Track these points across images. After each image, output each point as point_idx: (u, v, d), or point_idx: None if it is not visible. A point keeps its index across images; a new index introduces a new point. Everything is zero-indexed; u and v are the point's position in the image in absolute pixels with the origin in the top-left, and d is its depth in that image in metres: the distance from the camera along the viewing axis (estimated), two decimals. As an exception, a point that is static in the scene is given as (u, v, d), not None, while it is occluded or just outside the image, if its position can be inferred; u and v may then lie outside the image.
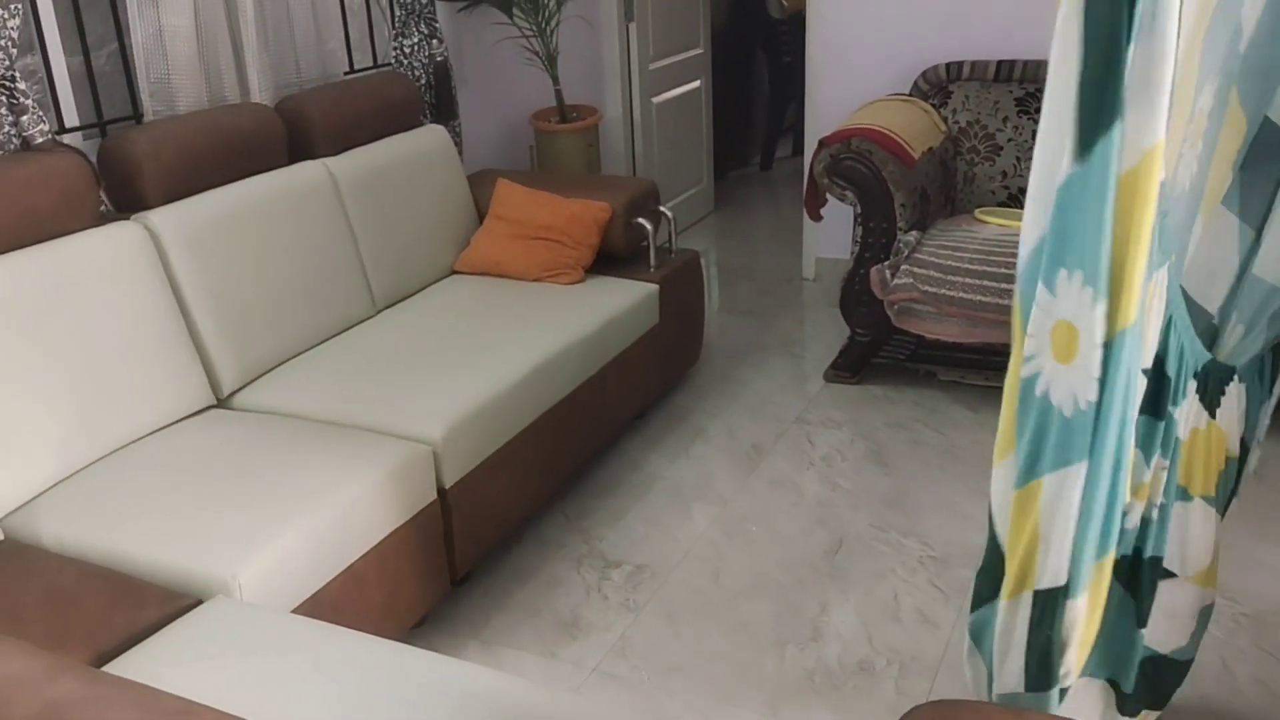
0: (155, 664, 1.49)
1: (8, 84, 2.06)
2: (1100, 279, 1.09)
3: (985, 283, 2.81)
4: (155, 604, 1.63)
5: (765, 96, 5.56)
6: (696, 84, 4.66)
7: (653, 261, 3.02)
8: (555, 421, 2.50)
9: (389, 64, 3.14)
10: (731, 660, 2.08)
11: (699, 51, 4.65)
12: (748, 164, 5.77)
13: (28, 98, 2.10)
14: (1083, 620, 1.21)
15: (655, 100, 4.31)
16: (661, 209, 3.13)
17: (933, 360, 3.10)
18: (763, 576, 2.33)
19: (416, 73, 3.10)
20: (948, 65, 3.46)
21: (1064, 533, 1.17)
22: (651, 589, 2.31)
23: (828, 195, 3.16)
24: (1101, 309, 1.09)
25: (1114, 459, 1.15)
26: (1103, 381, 1.11)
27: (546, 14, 3.39)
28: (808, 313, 3.80)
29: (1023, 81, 3.35)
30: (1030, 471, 1.18)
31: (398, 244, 2.81)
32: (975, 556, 2.33)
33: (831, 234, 3.83)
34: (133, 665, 1.49)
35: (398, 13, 3.06)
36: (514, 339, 2.52)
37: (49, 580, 1.69)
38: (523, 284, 2.88)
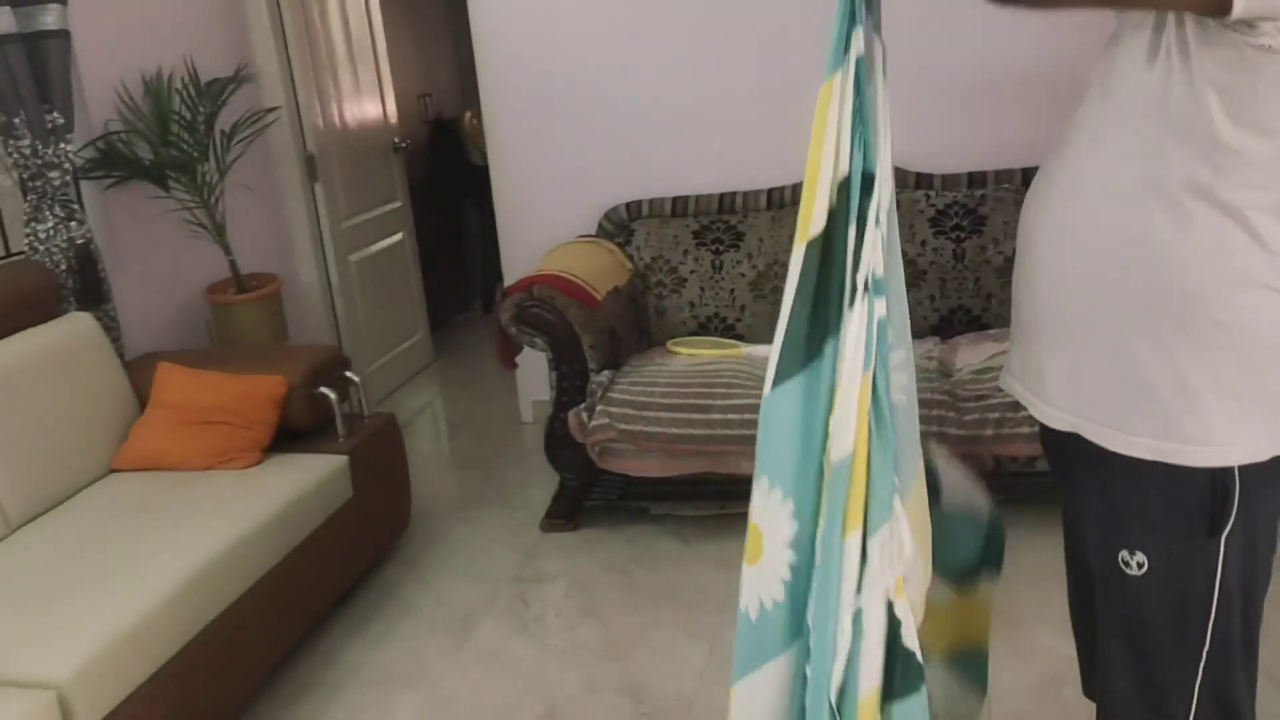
0: None
1: None
2: (791, 487, 1.11)
3: (678, 415, 2.82)
4: None
5: (478, 241, 5.58)
6: (399, 237, 4.58)
7: (341, 432, 2.85)
8: (232, 627, 2.25)
9: (22, 252, 2.87)
10: None
11: (397, 204, 4.59)
12: (469, 309, 5.73)
13: None
14: None
15: (353, 258, 4.20)
16: (348, 375, 2.98)
17: (644, 496, 3.07)
18: (467, 767, 2.16)
19: (56, 258, 2.84)
20: (627, 204, 3.55)
21: None
22: (343, 805, 2.08)
23: (520, 344, 3.12)
24: (789, 512, 1.12)
25: (799, 657, 1.14)
26: (789, 582, 1.12)
27: (208, 185, 3.23)
28: (526, 459, 3.71)
29: (697, 215, 3.48)
30: (732, 678, 1.18)
31: (36, 450, 2.50)
32: (689, 707, 2.25)
33: (545, 375, 3.79)
34: None
35: (29, 196, 2.81)
36: (172, 541, 2.27)
37: None
38: (191, 475, 2.63)
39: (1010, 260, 3.22)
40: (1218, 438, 1.12)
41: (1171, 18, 1.07)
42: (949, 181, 3.29)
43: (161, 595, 2.08)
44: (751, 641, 1.16)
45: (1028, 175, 3.25)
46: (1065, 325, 1.21)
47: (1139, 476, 1.16)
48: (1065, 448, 1.26)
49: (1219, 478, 1.13)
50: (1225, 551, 1.14)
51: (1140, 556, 1.18)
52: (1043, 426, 1.30)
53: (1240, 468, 1.12)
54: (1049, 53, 3.25)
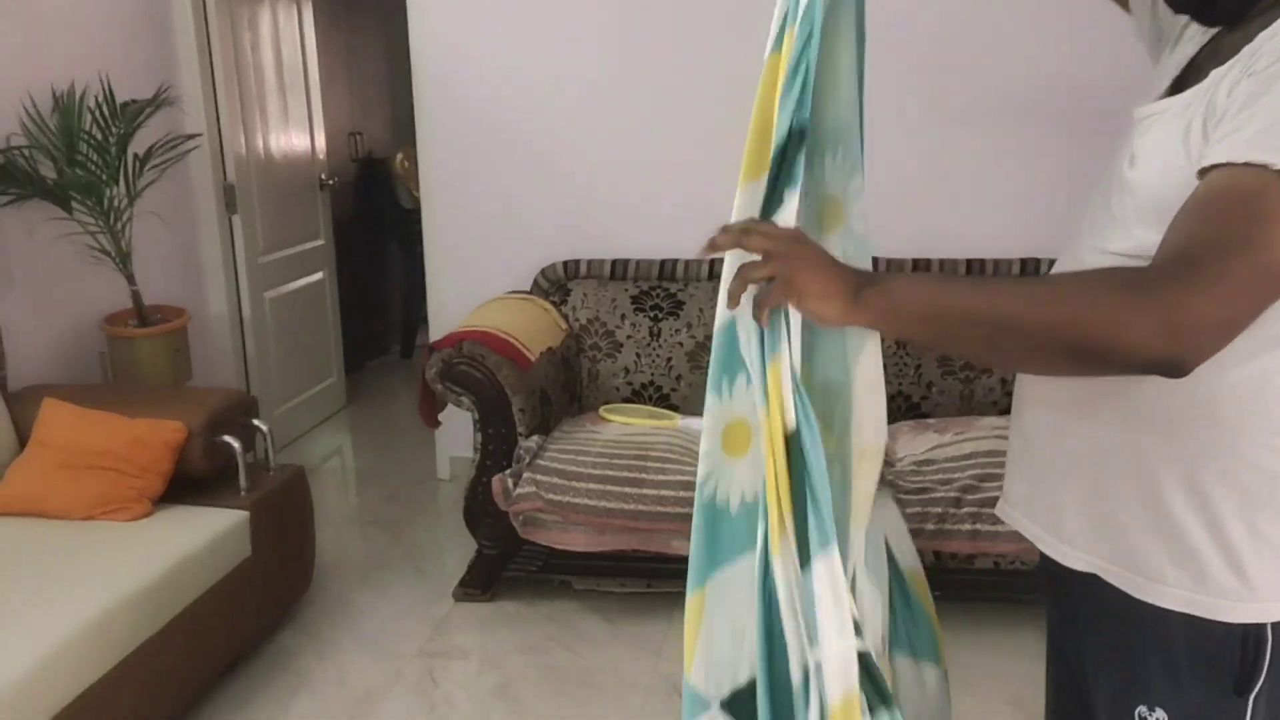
0: None
1: None
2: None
3: (609, 487, 2.68)
4: None
5: (401, 285, 5.39)
6: (319, 276, 4.38)
7: (243, 484, 2.63)
8: (98, 704, 2.01)
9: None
10: None
11: (320, 242, 4.39)
12: (387, 352, 5.51)
13: None
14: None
15: (269, 295, 3.97)
16: (255, 422, 2.77)
17: (566, 570, 2.90)
18: None
19: (-62, 276, 2.59)
20: (565, 263, 3.43)
21: (726, 631, 1.17)
22: None
23: (445, 401, 2.95)
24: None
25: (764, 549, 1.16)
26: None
27: (116, 210, 3.00)
28: (441, 520, 3.51)
29: (637, 279, 3.38)
30: (700, 577, 1.18)
31: (-109, 489, 2.23)
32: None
33: (467, 432, 3.61)
34: None
35: (-88, 207, 2.56)
36: (34, 606, 2.03)
37: None
38: (69, 525, 2.38)
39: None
40: (1256, 592, 1.02)
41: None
42: (893, 267, 3.25)
43: (14, 671, 1.84)
44: (731, 533, 1.18)
45: (972, 266, 3.23)
46: (1084, 456, 1.11)
47: (1165, 627, 1.06)
48: (1074, 586, 1.16)
49: (1251, 633, 1.03)
50: (1252, 712, 1.05)
51: (1160, 714, 1.08)
52: (1044, 558, 1.20)
53: (1273, 623, 1.03)
54: (1018, 147, 3.26)
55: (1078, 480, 1.12)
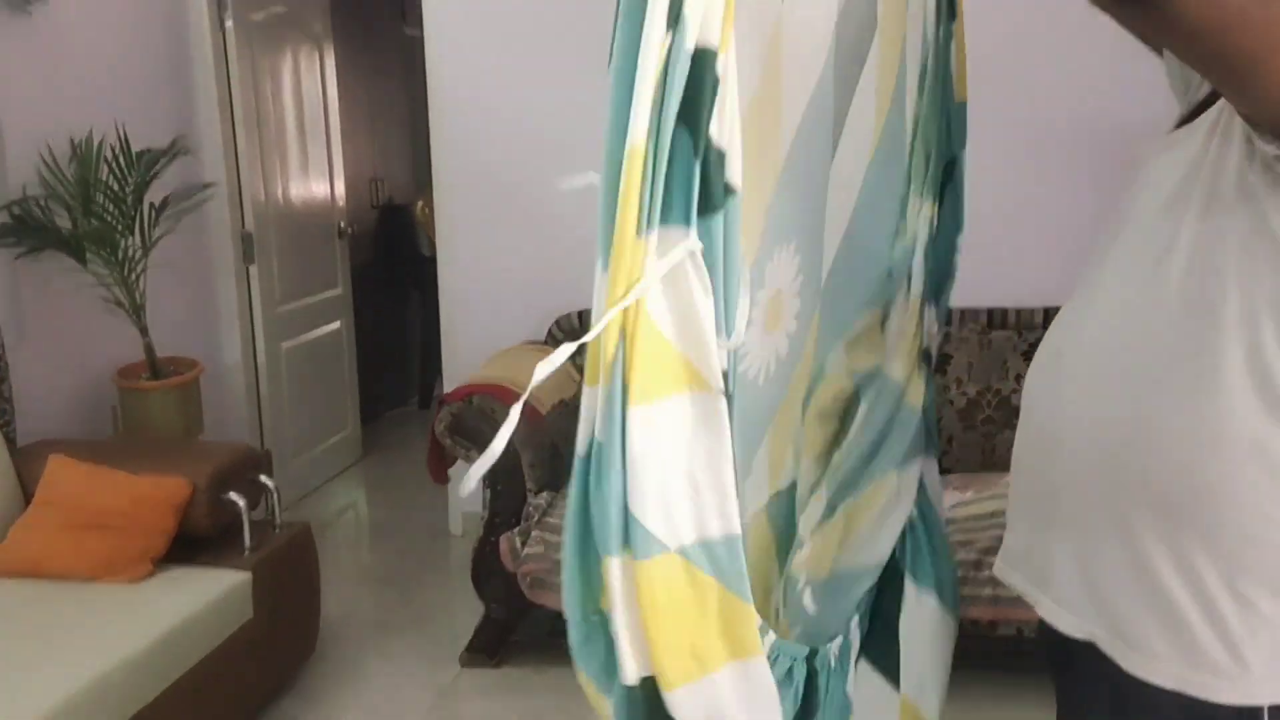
0: None
1: None
2: None
3: (620, 548, 2.60)
4: None
5: (420, 334, 5.37)
6: (336, 325, 4.36)
7: (247, 543, 2.58)
8: (87, 776, 1.95)
9: (-91, 322, 2.60)
10: None
11: (338, 291, 4.38)
12: (405, 403, 5.48)
13: None
14: None
15: (285, 345, 3.96)
16: (262, 479, 2.73)
17: (576, 632, 2.82)
18: None
19: (-53, 331, 2.58)
20: (580, 313, 3.38)
21: None
22: None
23: (455, 456, 2.90)
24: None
25: None
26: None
27: (130, 261, 3.00)
28: (451, 578, 3.45)
29: (652, 330, 3.32)
30: None
31: (-111, 550, 2.20)
32: None
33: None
34: None
35: (-77, 262, 2.56)
36: (35, 668, 1.98)
37: None
38: (70, 587, 2.34)
39: (974, 402, 3.13)
40: (1249, 670, 0.95)
41: (1216, 161, 0.93)
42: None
43: (10, 739, 1.79)
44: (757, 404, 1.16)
45: (993, 316, 3.15)
46: (1072, 514, 1.05)
47: (1157, 705, 0.99)
48: (1073, 654, 1.08)
49: (1245, 715, 0.96)
50: None
51: None
52: (1042, 622, 1.13)
53: (1271, 706, 0.95)
54: (1049, 191, 3.19)
55: (1064, 534, 1.06)
